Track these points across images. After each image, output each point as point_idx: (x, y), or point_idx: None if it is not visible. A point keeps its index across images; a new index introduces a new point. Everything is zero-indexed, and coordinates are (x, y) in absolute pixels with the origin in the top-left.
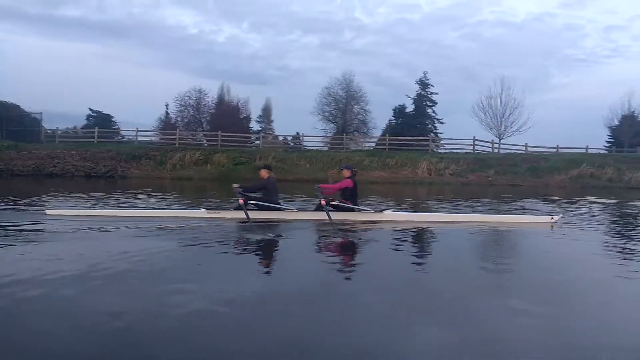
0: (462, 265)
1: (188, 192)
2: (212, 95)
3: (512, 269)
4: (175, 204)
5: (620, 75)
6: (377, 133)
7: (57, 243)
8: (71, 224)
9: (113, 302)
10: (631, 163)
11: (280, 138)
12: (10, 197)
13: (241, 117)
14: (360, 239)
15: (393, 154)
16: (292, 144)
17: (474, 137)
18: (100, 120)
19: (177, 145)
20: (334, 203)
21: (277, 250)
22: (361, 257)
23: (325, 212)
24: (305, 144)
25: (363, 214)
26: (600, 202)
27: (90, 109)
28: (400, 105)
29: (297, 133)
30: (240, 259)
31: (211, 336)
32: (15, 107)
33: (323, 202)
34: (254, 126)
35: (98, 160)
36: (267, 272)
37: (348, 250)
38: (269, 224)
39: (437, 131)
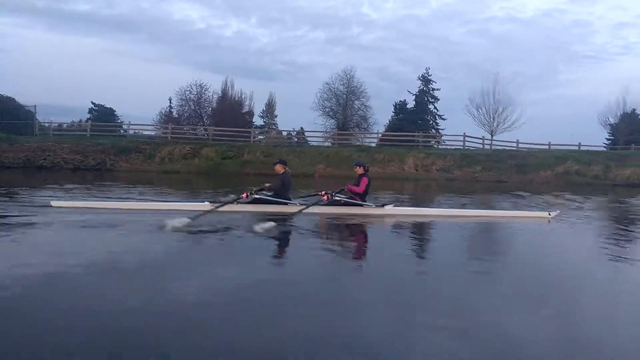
0: (460, 258)
1: (165, 185)
2: (215, 90)
3: (508, 263)
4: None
5: (630, 72)
6: (379, 129)
7: (63, 235)
8: (76, 216)
9: (116, 294)
10: (619, 160)
11: (285, 133)
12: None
13: (243, 111)
14: (361, 232)
15: (382, 149)
16: (296, 139)
17: (464, 133)
18: (103, 114)
19: (169, 139)
20: (337, 198)
21: (278, 244)
22: (362, 251)
23: (309, 204)
24: (309, 139)
25: (365, 208)
26: (566, 198)
27: (93, 103)
28: (401, 101)
29: (302, 128)
30: (242, 252)
31: (213, 329)
32: (9, 100)
33: (326, 197)
34: (258, 121)
35: (88, 153)
36: (269, 266)
37: (349, 243)
38: (273, 218)
39: (439, 127)
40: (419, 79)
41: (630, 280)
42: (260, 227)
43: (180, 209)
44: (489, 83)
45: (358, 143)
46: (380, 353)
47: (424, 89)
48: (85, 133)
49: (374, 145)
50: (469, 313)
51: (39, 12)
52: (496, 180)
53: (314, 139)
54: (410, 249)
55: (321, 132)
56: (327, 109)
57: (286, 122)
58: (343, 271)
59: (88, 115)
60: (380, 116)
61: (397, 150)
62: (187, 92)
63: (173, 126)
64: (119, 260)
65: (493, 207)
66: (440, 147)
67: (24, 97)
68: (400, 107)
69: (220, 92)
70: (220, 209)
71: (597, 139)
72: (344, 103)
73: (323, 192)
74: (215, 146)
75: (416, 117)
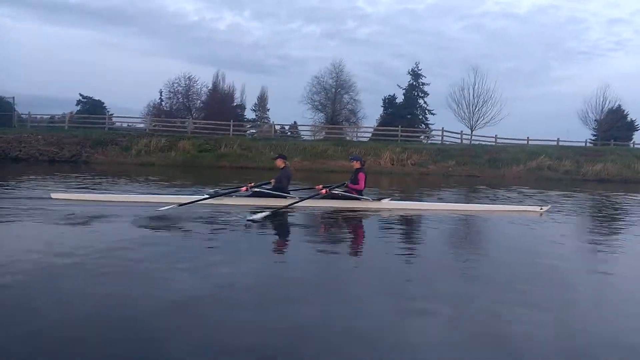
0: (452, 250)
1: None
2: (204, 83)
3: (498, 255)
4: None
5: (623, 68)
6: (371, 123)
7: (63, 226)
8: (76, 207)
9: (113, 286)
10: (591, 156)
11: (278, 127)
12: None
13: (233, 105)
14: (358, 226)
15: (358, 143)
16: (289, 132)
17: (442, 128)
18: (91, 107)
19: (147, 131)
20: (334, 191)
21: (276, 236)
22: (358, 244)
23: (307, 198)
24: (302, 133)
25: (362, 202)
26: (522, 193)
27: (81, 95)
28: (390, 95)
29: (295, 122)
30: (240, 245)
31: (210, 323)
32: None
33: (324, 191)
34: (250, 114)
35: (63, 145)
36: (266, 259)
37: (347, 236)
38: (271, 211)
39: (429, 122)
40: (409, 73)
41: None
42: (253, 216)
43: (181, 201)
44: (469, 78)
45: (349, 138)
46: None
47: (414, 83)
48: (63, 125)
49: (356, 140)
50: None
51: (29, 3)
52: (468, 175)
53: (307, 133)
54: (406, 242)
55: (314, 125)
56: (316, 103)
57: (281, 115)
58: (342, 264)
59: (77, 108)
60: (376, 110)
61: (374, 144)
62: (175, 85)
63: (153, 119)
64: (108, 252)
65: (488, 202)
66: (429, 142)
67: (13, 89)
68: (389, 102)
69: (211, 85)
70: (218, 202)
71: (586, 134)
72: (333, 97)
73: (321, 186)
74: (192, 139)
75: (405, 112)
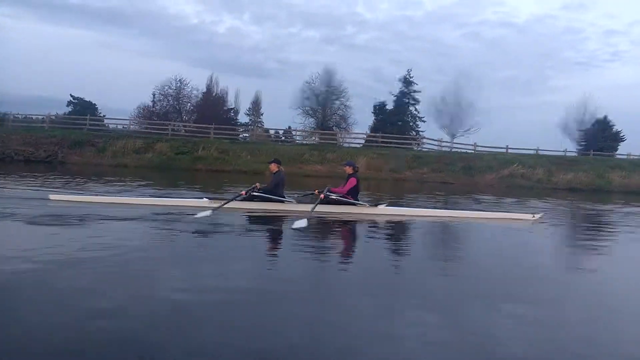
0: (447, 258)
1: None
2: (195, 86)
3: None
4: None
5: (619, 79)
6: (362, 129)
7: (60, 228)
8: (74, 209)
9: (104, 290)
10: (564, 165)
11: (272, 131)
12: None
13: (225, 108)
14: (356, 231)
15: (335, 148)
16: (284, 137)
17: (421, 135)
18: (83, 108)
19: (124, 133)
20: (332, 197)
21: (274, 241)
22: (354, 250)
23: (313, 204)
24: (297, 138)
25: (359, 207)
26: (477, 199)
27: (72, 95)
28: (380, 102)
29: (289, 127)
30: (238, 249)
31: (202, 329)
32: None
33: (322, 196)
34: (243, 118)
35: (40, 145)
36: (263, 264)
37: (343, 242)
38: (270, 215)
39: (419, 129)
40: (400, 80)
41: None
42: (255, 224)
43: (178, 204)
44: (451, 87)
45: (340, 144)
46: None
47: (405, 90)
48: (43, 125)
49: (347, 145)
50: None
51: (29, 3)
52: (442, 182)
53: (302, 137)
54: (402, 248)
55: (308, 130)
56: (306, 108)
57: (280, 119)
58: (338, 270)
59: (68, 109)
60: (355, 116)
61: (350, 150)
62: (166, 88)
63: (141, 120)
64: (103, 255)
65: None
66: (419, 149)
67: (12, 89)
68: (379, 109)
69: (205, 88)
70: (218, 205)
71: (567, 144)
72: (324, 102)
73: (317, 191)
74: (170, 141)
75: (395, 119)
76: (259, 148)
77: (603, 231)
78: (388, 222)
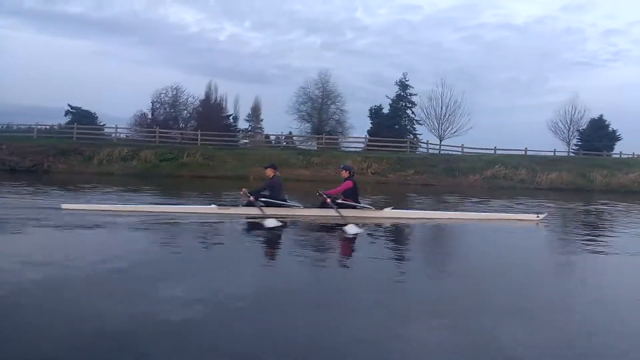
0: (456, 260)
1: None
2: (191, 93)
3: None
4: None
5: (620, 79)
6: (360, 133)
7: (72, 236)
8: (85, 218)
9: (109, 299)
10: (547, 165)
11: (273, 137)
12: None
13: (224, 115)
14: (364, 235)
15: (320, 152)
16: (285, 142)
17: (409, 137)
18: (82, 117)
19: (114, 141)
20: (338, 201)
21: (283, 246)
22: (362, 254)
23: (333, 209)
24: (296, 143)
25: (365, 211)
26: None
27: (69, 105)
28: (376, 106)
29: (290, 132)
30: (247, 255)
31: (207, 335)
32: None
33: (328, 201)
34: (243, 124)
35: (26, 154)
36: (274, 269)
37: (351, 246)
38: (281, 220)
39: (416, 132)
40: (396, 84)
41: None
42: (263, 230)
43: (188, 211)
44: (438, 89)
45: (344, 148)
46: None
47: (402, 94)
48: (32, 134)
49: (347, 150)
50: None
51: (27, 14)
52: (424, 184)
53: (305, 142)
54: (409, 251)
55: (310, 136)
56: (302, 113)
57: (280, 125)
58: (344, 274)
59: (65, 118)
60: (351, 120)
61: (335, 153)
62: (162, 95)
63: (136, 128)
64: (112, 263)
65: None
66: (416, 152)
67: (11, 99)
68: (375, 112)
69: (203, 95)
70: (226, 211)
71: (556, 144)
72: (319, 107)
73: (324, 195)
74: (155, 148)
75: (391, 122)
76: (245, 153)
77: (608, 228)
78: (394, 224)
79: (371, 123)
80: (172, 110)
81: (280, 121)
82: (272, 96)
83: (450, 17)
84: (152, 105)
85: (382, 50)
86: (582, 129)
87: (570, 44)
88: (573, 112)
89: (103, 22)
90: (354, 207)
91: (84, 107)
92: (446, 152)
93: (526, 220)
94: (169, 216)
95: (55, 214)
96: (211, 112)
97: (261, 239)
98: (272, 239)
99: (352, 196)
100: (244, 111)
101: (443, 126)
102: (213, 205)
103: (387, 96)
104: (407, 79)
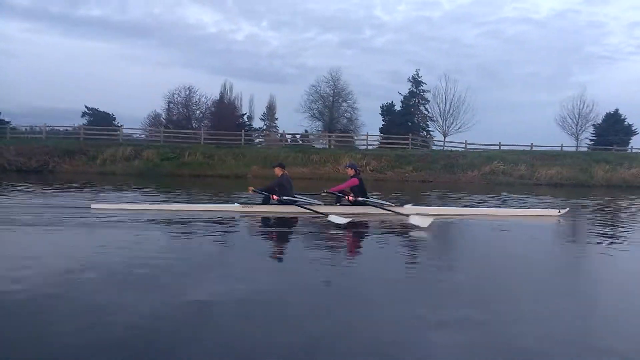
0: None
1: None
2: (204, 93)
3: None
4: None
5: None
6: (369, 130)
7: (100, 234)
8: (114, 217)
9: (135, 295)
10: (547, 160)
11: (289, 136)
12: None
13: (237, 114)
14: (384, 232)
15: (318, 150)
16: (300, 141)
17: (410, 134)
18: (99, 118)
19: (120, 141)
20: (359, 199)
21: (293, 245)
22: (378, 251)
23: (350, 206)
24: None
25: (382, 208)
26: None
27: (86, 107)
28: (388, 103)
29: (306, 130)
30: (271, 252)
31: (227, 332)
32: None
33: (351, 198)
34: (258, 124)
35: (32, 155)
36: (286, 268)
37: (374, 244)
38: (297, 218)
39: (429, 129)
40: (409, 80)
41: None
42: (286, 227)
43: (212, 209)
44: (442, 85)
45: (357, 146)
46: None
47: (415, 90)
48: (41, 136)
49: (364, 147)
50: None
51: (51, 17)
52: (422, 181)
53: (318, 140)
54: (430, 249)
55: (324, 134)
56: (313, 111)
57: (295, 124)
58: (367, 271)
59: (83, 120)
60: (361, 118)
61: (333, 151)
62: (175, 96)
63: (113, 128)
64: (139, 260)
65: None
66: (431, 149)
67: (33, 102)
68: (387, 110)
69: (218, 95)
70: (249, 209)
71: (563, 138)
72: (330, 105)
73: (329, 193)
74: (158, 147)
75: (403, 119)
76: (243, 152)
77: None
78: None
79: (383, 120)
80: (185, 111)
81: (296, 120)
82: (289, 95)
83: (470, 13)
84: (168, 105)
85: (400, 47)
86: (597, 124)
87: (593, 38)
88: (581, 107)
89: (125, 25)
90: (378, 206)
91: (105, 109)
92: (450, 148)
93: (548, 215)
94: (192, 215)
95: (87, 213)
96: (224, 112)
97: (281, 238)
98: (295, 237)
99: (360, 193)
100: (260, 110)
101: (447, 122)
102: (236, 204)
103: (399, 92)
104: (420, 75)
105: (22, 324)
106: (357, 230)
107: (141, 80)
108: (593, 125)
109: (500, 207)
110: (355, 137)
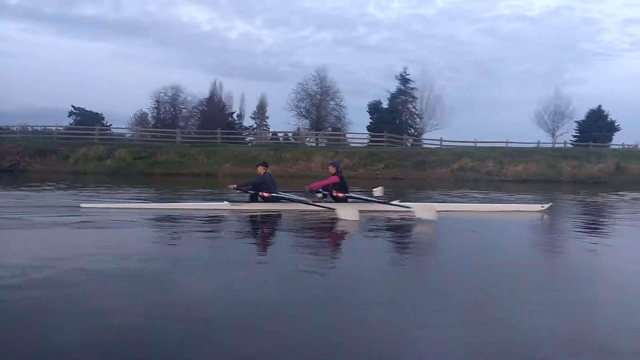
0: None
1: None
2: (190, 92)
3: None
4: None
5: (637, 69)
6: (357, 128)
7: (90, 234)
8: (104, 216)
9: (125, 296)
10: (516, 157)
11: (281, 134)
12: None
13: (225, 113)
14: (374, 227)
15: (290, 148)
16: (292, 140)
17: (385, 132)
18: (86, 118)
19: (95, 140)
20: (340, 196)
21: (276, 242)
22: (363, 248)
23: (338, 202)
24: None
25: (370, 204)
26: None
27: (73, 106)
28: (375, 101)
29: (298, 129)
30: (259, 251)
31: (219, 334)
32: None
33: (341, 195)
34: (249, 122)
35: (4, 154)
36: (272, 266)
37: (355, 240)
38: (277, 215)
39: (417, 127)
40: (397, 78)
41: None
42: (272, 225)
43: (201, 208)
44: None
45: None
46: None
47: (402, 88)
48: (15, 135)
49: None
50: None
51: (46, 17)
52: (391, 178)
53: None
54: (433, 244)
55: (320, 132)
56: (300, 109)
57: (284, 122)
58: (352, 269)
59: (70, 120)
60: (349, 116)
61: (305, 149)
62: (161, 95)
63: (99, 128)
64: (130, 260)
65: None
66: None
67: (29, 102)
68: (374, 108)
69: (208, 94)
70: (238, 207)
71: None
72: (318, 103)
73: (310, 190)
74: (130, 147)
75: (390, 117)
76: (215, 150)
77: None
78: (403, 218)
79: (370, 119)
80: (171, 109)
81: (284, 118)
82: (284, 94)
83: (464, 10)
84: (158, 104)
85: (395, 45)
86: (581, 120)
87: (587, 35)
88: (557, 103)
89: (119, 24)
90: (366, 201)
91: (100, 108)
92: (429, 145)
93: (531, 211)
94: (182, 214)
95: (77, 212)
96: (212, 111)
97: (271, 236)
98: (288, 235)
99: (341, 190)
100: (251, 109)
101: (423, 120)
102: (225, 202)
103: (387, 91)
104: (407, 73)
105: (15, 326)
106: (343, 226)
107: (136, 79)
108: (576, 121)
109: (484, 202)
110: (342, 136)
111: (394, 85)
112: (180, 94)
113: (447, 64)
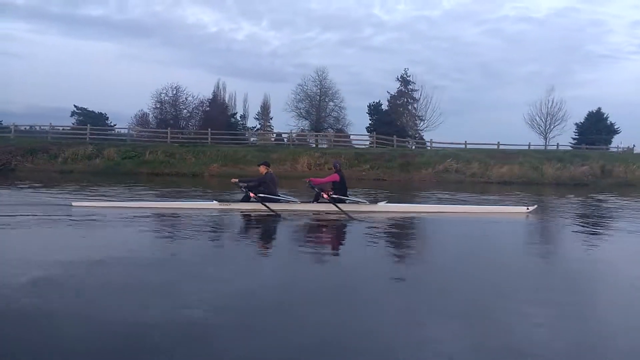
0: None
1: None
2: (191, 92)
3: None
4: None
5: None
6: (357, 130)
7: (81, 231)
8: (94, 214)
9: (122, 295)
10: (500, 158)
11: (285, 135)
12: None
13: (228, 114)
14: (358, 227)
15: (277, 149)
16: (296, 140)
17: (374, 133)
18: (88, 118)
19: (87, 140)
20: (334, 196)
21: (280, 241)
22: (355, 249)
23: (328, 204)
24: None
25: (359, 205)
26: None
27: (75, 106)
28: (374, 102)
29: (302, 129)
30: (248, 250)
31: (216, 335)
32: None
33: (326, 196)
34: (252, 123)
35: None
36: (274, 265)
37: (347, 240)
38: (274, 215)
39: (418, 128)
40: (398, 79)
41: None
42: (264, 224)
43: (190, 207)
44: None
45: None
46: None
47: (403, 89)
48: (9, 135)
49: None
50: None
51: (52, 17)
52: (376, 179)
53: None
54: (404, 245)
55: (327, 133)
56: (300, 110)
57: (283, 123)
58: (347, 270)
59: (72, 120)
60: (348, 117)
61: (293, 149)
62: (162, 95)
63: (91, 128)
64: (120, 258)
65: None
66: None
67: (34, 102)
68: (374, 109)
69: (211, 94)
70: (227, 207)
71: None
72: (317, 104)
73: (311, 184)
74: (119, 146)
75: (389, 118)
76: (203, 151)
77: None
78: (390, 218)
79: (370, 120)
80: (172, 110)
81: (284, 119)
82: (288, 95)
83: (470, 11)
84: (161, 104)
85: (401, 46)
86: (580, 122)
87: (594, 36)
88: (550, 106)
89: (125, 25)
90: (353, 202)
91: (106, 108)
92: (420, 147)
93: (516, 212)
94: (171, 213)
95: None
96: (214, 111)
97: (263, 234)
98: (274, 234)
99: (340, 189)
100: (255, 110)
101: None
102: (214, 202)
103: (388, 92)
104: (408, 74)
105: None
106: (334, 227)
107: (141, 79)
108: (575, 124)
109: (471, 204)
110: (344, 138)
111: (395, 87)
112: (182, 94)
113: (452, 65)
